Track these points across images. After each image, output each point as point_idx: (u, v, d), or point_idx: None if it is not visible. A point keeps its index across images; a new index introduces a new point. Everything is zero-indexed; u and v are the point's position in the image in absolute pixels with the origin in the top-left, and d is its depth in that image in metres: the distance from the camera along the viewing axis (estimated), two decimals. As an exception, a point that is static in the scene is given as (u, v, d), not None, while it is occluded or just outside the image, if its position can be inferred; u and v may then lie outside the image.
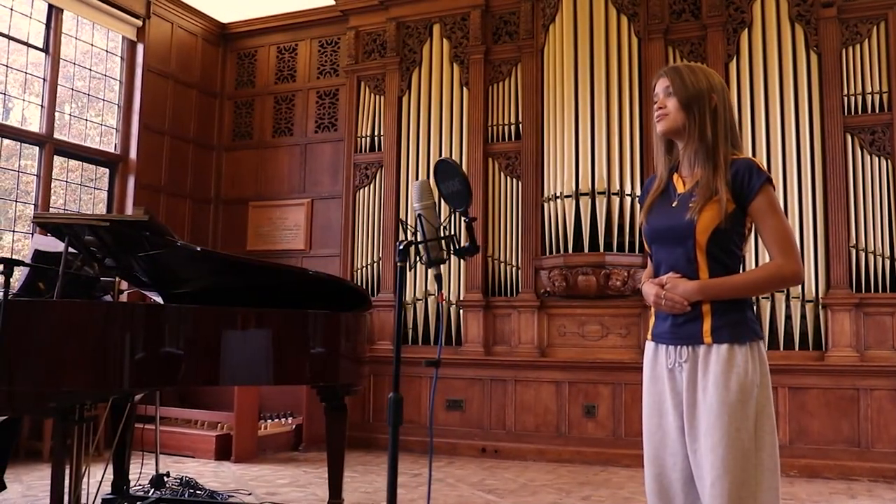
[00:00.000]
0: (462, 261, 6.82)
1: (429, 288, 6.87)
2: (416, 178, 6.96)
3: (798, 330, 5.83)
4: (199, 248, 3.46)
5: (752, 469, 1.99)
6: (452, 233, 2.18)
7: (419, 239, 2.16)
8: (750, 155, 6.11)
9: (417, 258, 2.18)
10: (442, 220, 2.16)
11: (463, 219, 2.17)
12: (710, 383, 2.03)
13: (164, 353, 3.16)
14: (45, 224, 3.39)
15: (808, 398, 5.73)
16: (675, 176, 2.24)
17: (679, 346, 2.11)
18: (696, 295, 2.09)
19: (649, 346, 2.21)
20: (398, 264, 2.11)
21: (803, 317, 5.84)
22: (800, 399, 5.73)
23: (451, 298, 6.84)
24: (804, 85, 6.04)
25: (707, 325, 2.08)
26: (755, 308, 5.81)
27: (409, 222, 6.28)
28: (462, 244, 2.17)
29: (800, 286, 5.81)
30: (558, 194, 6.35)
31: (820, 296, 5.83)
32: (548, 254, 6.48)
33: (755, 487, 2.00)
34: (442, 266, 2.22)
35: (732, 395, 2.00)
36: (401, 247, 2.13)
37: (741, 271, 2.15)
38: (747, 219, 2.12)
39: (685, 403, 2.08)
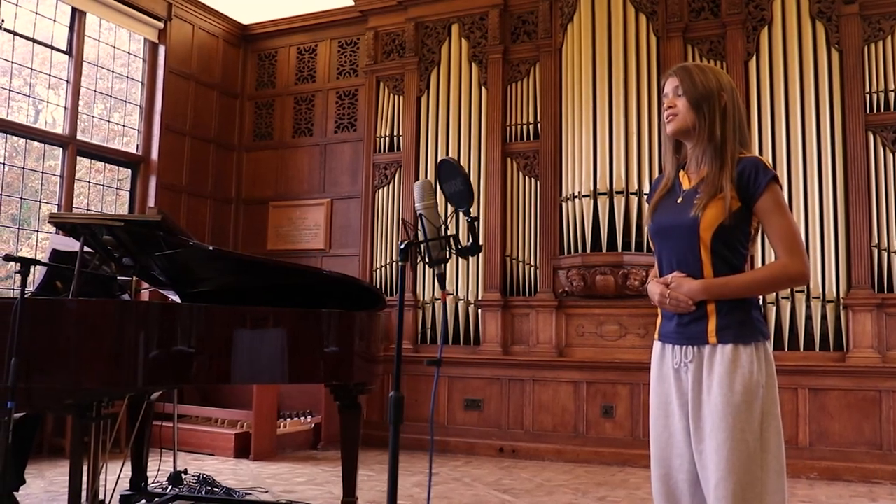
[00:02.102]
0: (480, 260, 6.82)
1: (447, 287, 6.88)
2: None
3: (819, 330, 5.77)
4: (211, 248, 3.49)
5: (757, 470, 1.98)
6: (455, 232, 2.19)
7: (421, 238, 2.17)
8: (770, 153, 6.05)
9: (420, 258, 2.19)
10: (444, 220, 2.16)
11: (465, 218, 2.18)
12: (714, 383, 2.02)
13: (177, 351, 3.19)
14: (62, 224, 3.44)
15: (828, 399, 5.66)
16: (682, 173, 2.23)
17: (685, 346, 2.10)
18: (700, 294, 2.07)
19: (656, 345, 2.21)
20: (399, 264, 2.12)
21: (824, 317, 5.77)
22: (820, 400, 5.67)
23: (469, 298, 6.85)
24: (825, 83, 5.97)
25: (712, 325, 2.06)
26: (775, 308, 5.79)
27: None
28: (465, 244, 2.17)
29: (820, 286, 5.75)
30: (576, 194, 6.33)
31: (841, 296, 5.76)
32: (566, 253, 6.46)
33: (761, 489, 1.98)
34: (447, 265, 2.22)
35: (737, 395, 1.99)
36: (402, 246, 2.15)
37: (747, 271, 2.13)
38: (754, 218, 2.10)
39: (690, 404, 2.06)
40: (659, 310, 2.20)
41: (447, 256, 2.19)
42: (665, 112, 2.21)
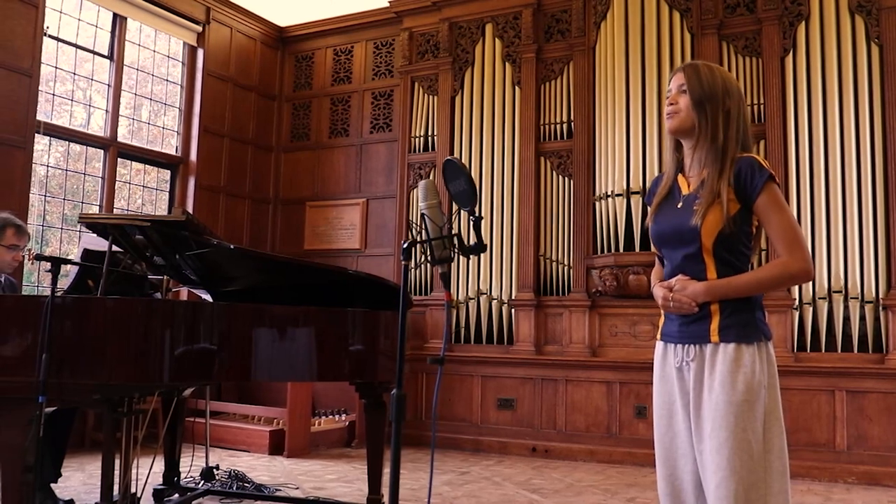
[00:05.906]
0: (514, 260, 6.82)
1: (481, 287, 6.89)
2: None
3: (857, 332, 5.63)
4: (231, 247, 3.54)
5: (760, 471, 1.95)
6: (458, 232, 2.20)
7: (424, 238, 2.19)
8: (807, 151, 5.91)
9: (424, 257, 2.20)
10: (449, 219, 2.18)
11: (470, 218, 2.19)
12: (716, 382, 2.00)
13: (201, 348, 3.26)
14: (92, 224, 3.53)
15: (867, 402, 5.54)
16: (680, 176, 2.22)
17: (686, 345, 2.09)
18: (703, 296, 2.06)
19: (659, 345, 2.20)
20: (403, 263, 2.14)
21: (862, 318, 5.64)
22: (858, 403, 5.54)
23: (502, 297, 6.85)
24: (864, 78, 5.83)
25: (714, 324, 2.05)
26: (812, 309, 5.68)
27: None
28: (469, 243, 2.19)
29: (859, 286, 5.62)
30: (610, 193, 6.29)
31: (880, 296, 5.62)
32: (599, 253, 6.43)
33: (765, 490, 1.95)
34: (451, 265, 2.24)
35: (739, 394, 1.97)
36: (405, 246, 2.17)
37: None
38: (754, 217, 2.09)
39: (692, 403, 2.05)
40: (662, 311, 2.20)
41: (450, 256, 2.20)
42: (666, 108, 2.18)
